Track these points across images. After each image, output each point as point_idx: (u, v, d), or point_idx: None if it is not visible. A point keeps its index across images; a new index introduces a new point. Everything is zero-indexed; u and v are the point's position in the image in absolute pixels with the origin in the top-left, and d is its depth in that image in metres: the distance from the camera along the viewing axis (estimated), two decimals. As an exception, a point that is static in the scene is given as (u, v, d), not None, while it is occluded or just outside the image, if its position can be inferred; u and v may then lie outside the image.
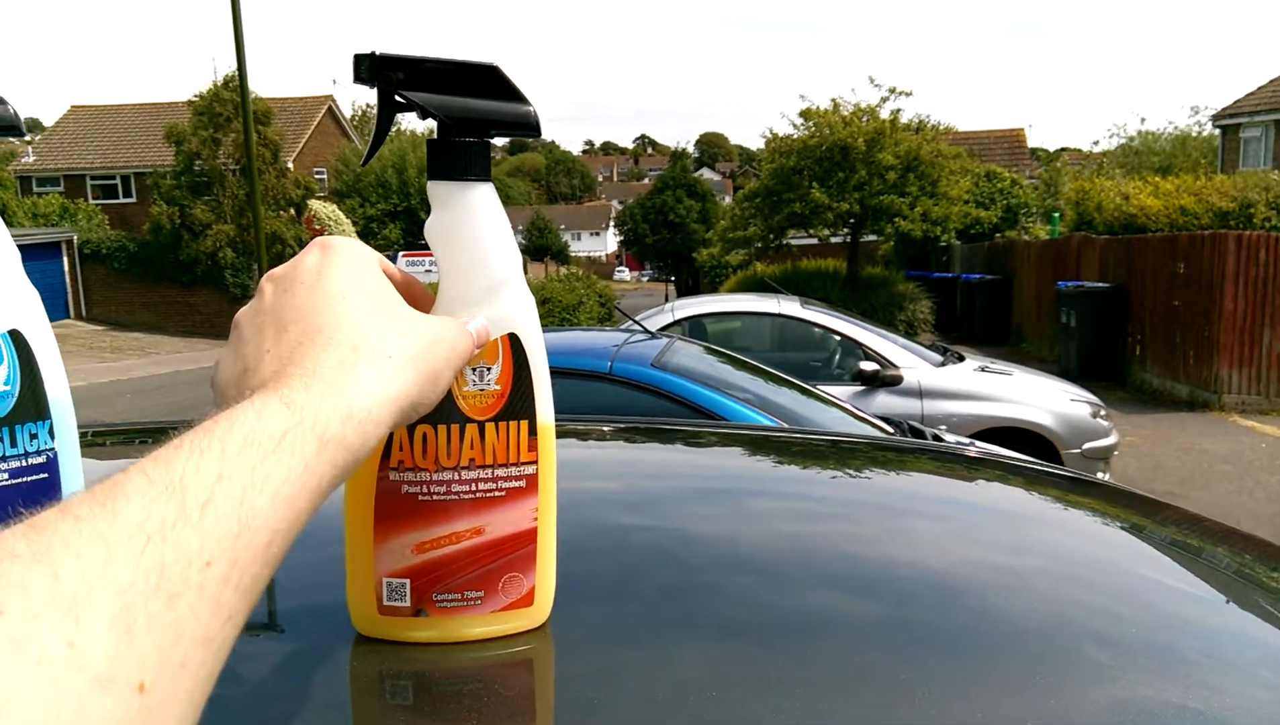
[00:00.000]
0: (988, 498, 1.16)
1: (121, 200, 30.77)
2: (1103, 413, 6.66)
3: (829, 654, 0.64)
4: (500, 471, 0.62)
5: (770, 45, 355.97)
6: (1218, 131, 25.70)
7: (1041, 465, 1.46)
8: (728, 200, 38.54)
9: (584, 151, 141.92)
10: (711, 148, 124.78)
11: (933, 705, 0.57)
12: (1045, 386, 6.87)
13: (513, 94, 0.60)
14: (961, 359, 7.04)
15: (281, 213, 24.80)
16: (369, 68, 0.58)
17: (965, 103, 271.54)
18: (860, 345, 6.73)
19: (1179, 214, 13.42)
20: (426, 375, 0.51)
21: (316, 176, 30.87)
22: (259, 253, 14.74)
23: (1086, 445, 6.37)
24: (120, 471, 0.37)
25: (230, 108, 22.54)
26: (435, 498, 0.61)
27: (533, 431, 0.62)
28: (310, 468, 0.41)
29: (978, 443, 5.01)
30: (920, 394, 6.37)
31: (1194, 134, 29.03)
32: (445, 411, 0.58)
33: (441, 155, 0.60)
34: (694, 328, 7.17)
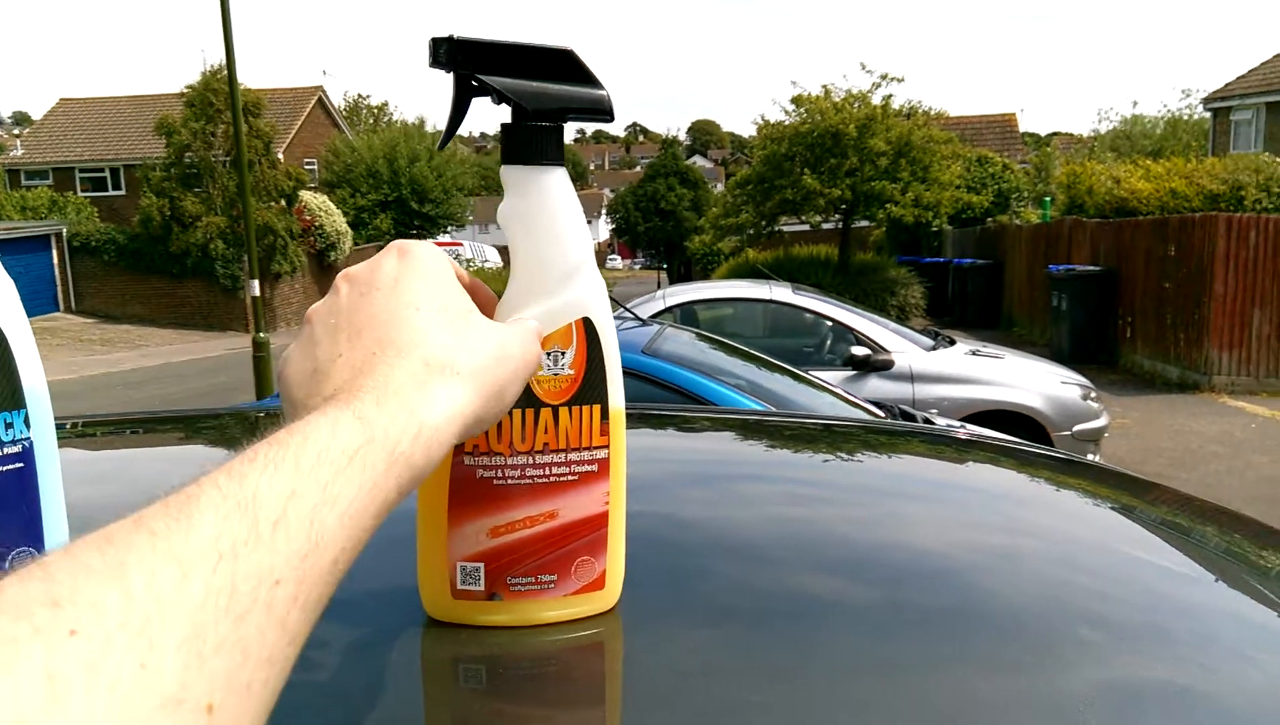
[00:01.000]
0: (978, 480, 1.16)
1: (110, 193, 30.64)
2: (1093, 395, 6.69)
3: (821, 638, 0.64)
4: (574, 456, 0.62)
5: (762, 31, 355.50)
6: (1209, 114, 25.69)
7: (1032, 447, 1.46)
8: (719, 188, 38.48)
9: (575, 140, 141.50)
10: (703, 135, 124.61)
11: (925, 686, 0.57)
12: (1036, 369, 6.90)
13: (587, 78, 0.60)
14: (952, 343, 7.06)
15: (272, 204, 24.65)
16: (446, 52, 0.57)
17: (957, 87, 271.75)
18: (851, 330, 6.73)
19: (1170, 197, 13.45)
20: (492, 391, 0.51)
21: (307, 167, 30.72)
22: (249, 244, 14.58)
23: (1077, 427, 6.40)
24: (193, 481, 0.37)
25: (221, 99, 22.27)
26: (510, 482, 0.61)
27: (605, 416, 0.63)
28: (378, 486, 0.41)
29: (968, 426, 5.01)
30: (911, 378, 6.38)
31: (1185, 117, 29.07)
32: (520, 396, 0.58)
33: (516, 140, 0.60)
34: (686, 314, 7.17)
